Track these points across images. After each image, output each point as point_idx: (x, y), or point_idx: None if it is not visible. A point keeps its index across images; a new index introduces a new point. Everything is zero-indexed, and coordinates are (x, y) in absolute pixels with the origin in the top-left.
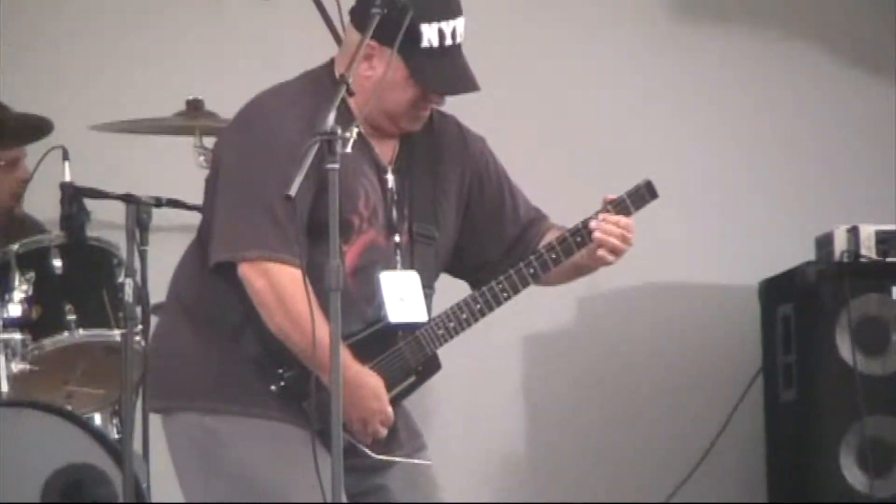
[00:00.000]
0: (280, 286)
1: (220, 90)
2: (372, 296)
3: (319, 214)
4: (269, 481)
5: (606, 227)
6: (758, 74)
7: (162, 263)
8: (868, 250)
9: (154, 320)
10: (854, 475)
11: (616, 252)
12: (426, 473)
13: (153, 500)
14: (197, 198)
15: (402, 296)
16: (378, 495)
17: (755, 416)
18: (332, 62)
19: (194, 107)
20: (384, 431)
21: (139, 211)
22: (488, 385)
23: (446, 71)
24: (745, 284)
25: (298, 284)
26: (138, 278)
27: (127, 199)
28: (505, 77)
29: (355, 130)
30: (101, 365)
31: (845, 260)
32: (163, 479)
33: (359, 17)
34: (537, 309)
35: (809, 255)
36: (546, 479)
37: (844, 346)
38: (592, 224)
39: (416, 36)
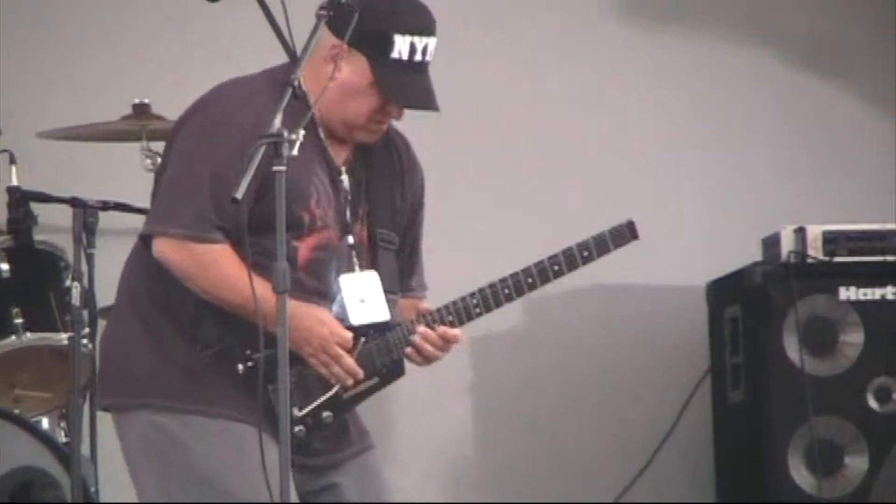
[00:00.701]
0: (200, 256)
1: (167, 93)
2: (325, 291)
3: (263, 210)
4: (222, 483)
5: (430, 339)
6: (704, 76)
7: (109, 267)
8: (815, 251)
9: (102, 324)
10: (802, 476)
11: (428, 360)
12: (377, 472)
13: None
14: (144, 201)
15: (363, 297)
16: (330, 494)
17: (703, 417)
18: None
19: (141, 110)
20: (348, 359)
21: (86, 214)
22: (436, 385)
23: (410, 85)
24: (693, 285)
25: (219, 253)
26: (85, 282)
27: (73, 202)
28: (452, 86)
29: (301, 133)
30: (49, 369)
31: (792, 261)
32: (111, 482)
33: (332, 20)
34: None
35: (756, 255)
36: (494, 479)
37: (792, 347)
38: (417, 336)
39: (387, 45)
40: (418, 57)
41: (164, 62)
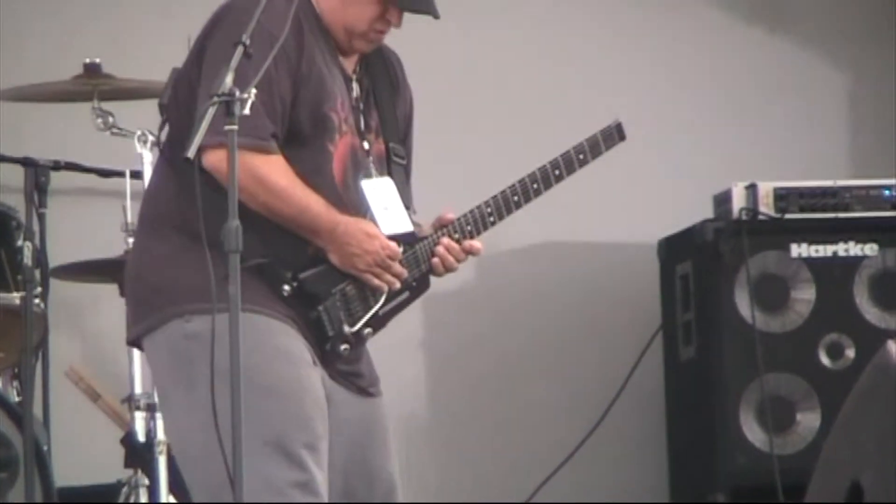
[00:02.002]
0: (256, 166)
1: (117, 52)
2: (358, 203)
3: (299, 114)
4: (254, 374)
5: (455, 253)
6: (654, 31)
7: (61, 226)
8: (767, 207)
9: (54, 283)
10: (753, 432)
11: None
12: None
13: (54, 466)
14: (96, 160)
15: (386, 205)
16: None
17: (655, 374)
18: None
19: (92, 70)
20: (399, 267)
21: (37, 174)
22: (387, 343)
23: None
24: (644, 242)
25: (275, 164)
26: (37, 241)
27: (25, 162)
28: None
29: (253, 92)
30: (1, 328)
31: (744, 217)
32: (63, 443)
33: None
34: None
35: (708, 212)
36: (446, 436)
37: (743, 304)
38: (441, 247)
39: None
40: None
41: (115, 22)
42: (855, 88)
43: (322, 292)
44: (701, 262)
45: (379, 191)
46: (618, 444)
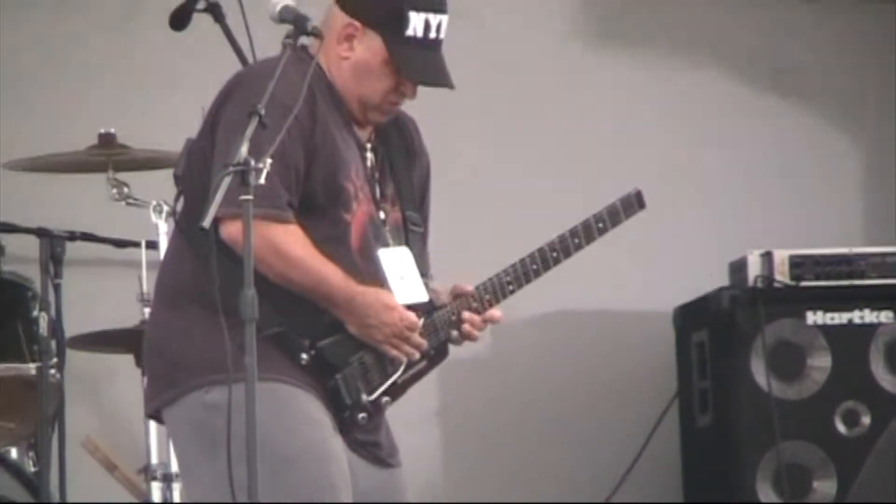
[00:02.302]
0: (273, 237)
1: (132, 123)
2: (376, 272)
3: (313, 184)
4: (279, 445)
5: (476, 324)
6: (671, 101)
7: (76, 297)
8: (782, 275)
9: (69, 353)
10: (770, 500)
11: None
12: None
13: None
14: (111, 231)
15: (402, 274)
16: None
17: (671, 442)
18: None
19: (107, 140)
20: (418, 338)
21: (53, 245)
22: (404, 412)
23: (425, 62)
24: (660, 311)
25: (292, 234)
26: (53, 312)
27: (40, 233)
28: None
29: (269, 162)
30: (17, 399)
31: (759, 285)
32: None
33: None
34: None
35: (723, 280)
36: None
37: (759, 372)
38: (465, 323)
39: (402, 22)
40: (433, 34)
41: (129, 92)
42: (869, 155)
43: (340, 361)
44: (717, 329)
45: (395, 260)
46: None
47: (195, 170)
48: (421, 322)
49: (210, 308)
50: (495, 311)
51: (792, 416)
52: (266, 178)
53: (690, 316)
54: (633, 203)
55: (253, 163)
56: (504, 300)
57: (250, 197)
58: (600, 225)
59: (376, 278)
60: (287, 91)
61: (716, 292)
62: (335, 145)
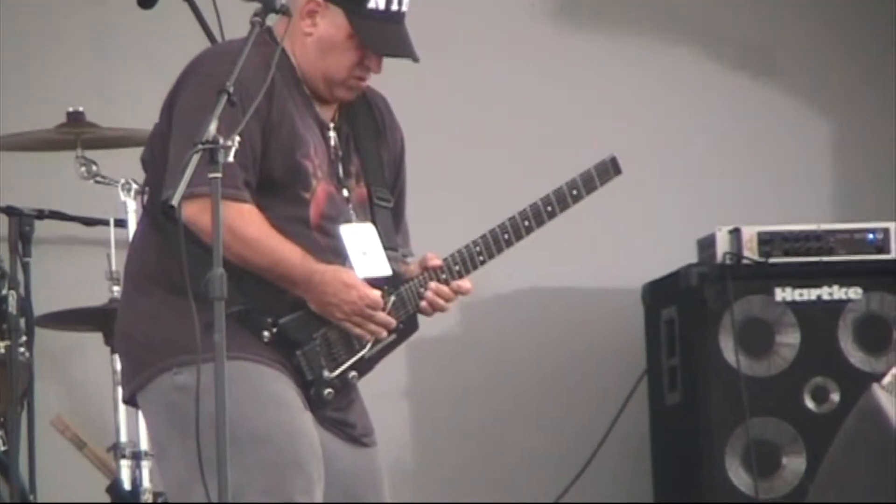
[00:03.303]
0: (228, 218)
1: (100, 101)
2: (337, 248)
3: (271, 162)
4: (248, 423)
5: (444, 295)
6: (639, 79)
7: (45, 275)
8: (751, 252)
9: (39, 332)
10: (739, 477)
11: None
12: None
13: None
14: (79, 209)
15: (364, 249)
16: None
17: (640, 419)
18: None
19: (75, 119)
20: (381, 315)
21: (21, 223)
22: (373, 390)
23: (389, 34)
24: (629, 287)
25: (248, 214)
26: (21, 290)
27: (9, 211)
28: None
29: (237, 140)
30: None
31: (728, 262)
32: (49, 492)
33: None
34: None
35: (692, 257)
36: (432, 483)
37: (728, 349)
38: (429, 291)
39: None
40: (395, 6)
41: (98, 71)
42: (838, 133)
43: (302, 338)
44: (685, 306)
45: (358, 236)
46: (604, 489)
47: (156, 154)
48: (391, 300)
49: (175, 291)
50: (464, 282)
51: (761, 393)
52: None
53: (659, 293)
54: (609, 169)
55: (221, 140)
56: (475, 271)
57: (219, 175)
58: (574, 192)
59: (338, 255)
60: (245, 71)
61: (684, 269)
62: (292, 123)
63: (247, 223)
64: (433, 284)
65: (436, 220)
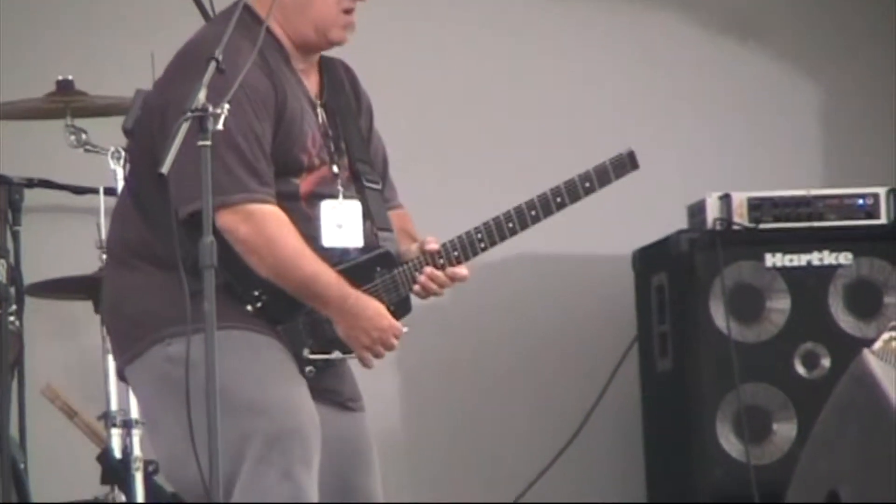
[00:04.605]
0: (267, 229)
1: (90, 69)
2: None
3: (273, 155)
4: (241, 390)
5: (438, 280)
6: (629, 44)
7: (35, 244)
8: (741, 217)
9: (28, 301)
10: (730, 443)
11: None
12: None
13: (30, 483)
14: (69, 177)
15: (341, 223)
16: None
17: (631, 386)
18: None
19: (65, 87)
20: (395, 343)
21: (11, 192)
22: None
23: None
24: (619, 254)
25: (282, 223)
26: (11, 259)
27: None
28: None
29: (226, 107)
30: None
31: (718, 228)
32: (39, 461)
33: None
34: None
35: (682, 223)
36: (421, 452)
37: (718, 315)
38: (423, 276)
39: None
40: None
41: (87, 39)
42: (828, 98)
43: (287, 316)
44: (676, 273)
45: (338, 211)
46: (594, 455)
47: (144, 125)
48: (379, 278)
49: (158, 264)
50: (460, 269)
51: (751, 359)
52: (242, 161)
53: (649, 259)
54: (626, 163)
55: (210, 108)
56: (474, 257)
57: (208, 143)
58: (587, 184)
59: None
60: (247, 74)
61: (674, 235)
62: (293, 116)
63: (286, 234)
64: (428, 269)
65: (442, 207)
